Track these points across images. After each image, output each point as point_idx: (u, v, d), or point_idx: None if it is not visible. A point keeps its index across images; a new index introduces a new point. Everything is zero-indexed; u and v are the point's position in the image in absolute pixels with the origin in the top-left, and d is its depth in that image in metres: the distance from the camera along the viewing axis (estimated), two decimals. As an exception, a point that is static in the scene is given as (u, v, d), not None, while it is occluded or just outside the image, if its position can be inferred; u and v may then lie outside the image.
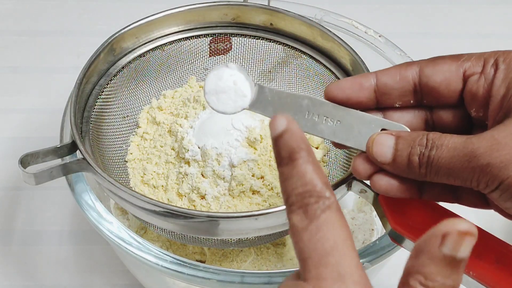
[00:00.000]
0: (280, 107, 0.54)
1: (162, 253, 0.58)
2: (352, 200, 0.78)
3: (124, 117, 0.70)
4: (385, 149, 0.49)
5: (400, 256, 0.60)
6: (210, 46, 0.73)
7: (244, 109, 0.55)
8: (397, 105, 0.52)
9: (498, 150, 0.43)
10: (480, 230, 0.50)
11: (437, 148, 0.46)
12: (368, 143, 0.50)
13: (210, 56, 0.74)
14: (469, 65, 0.48)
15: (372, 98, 0.52)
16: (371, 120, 0.52)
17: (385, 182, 0.50)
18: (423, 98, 0.51)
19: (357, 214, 0.75)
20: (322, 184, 0.39)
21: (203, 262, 0.70)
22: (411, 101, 0.51)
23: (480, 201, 0.50)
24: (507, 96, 0.46)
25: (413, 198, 0.53)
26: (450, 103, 0.50)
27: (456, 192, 0.51)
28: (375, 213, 0.73)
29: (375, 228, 0.74)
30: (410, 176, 0.48)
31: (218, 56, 0.74)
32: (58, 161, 0.59)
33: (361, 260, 0.58)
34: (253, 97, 0.55)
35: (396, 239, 0.52)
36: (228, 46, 0.73)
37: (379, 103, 0.52)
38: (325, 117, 0.53)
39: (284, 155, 0.40)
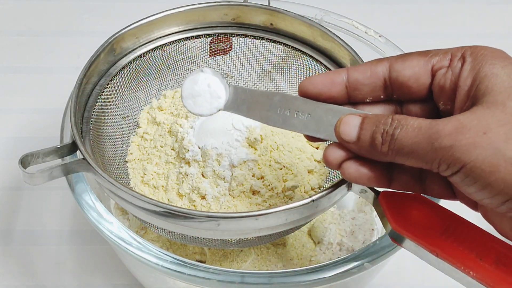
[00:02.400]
0: (253, 105, 0.56)
1: (162, 253, 0.58)
2: (352, 200, 0.78)
3: (125, 117, 0.70)
4: (351, 128, 0.50)
5: (400, 256, 0.60)
6: (210, 46, 0.73)
7: (219, 110, 0.57)
8: (368, 100, 0.53)
9: (463, 133, 0.44)
10: (480, 230, 0.50)
11: (402, 128, 0.47)
12: (336, 123, 0.51)
13: (210, 56, 0.74)
14: (437, 59, 0.50)
15: (344, 93, 0.53)
16: (340, 110, 0.53)
17: (354, 170, 0.51)
18: (393, 93, 0.52)
19: (358, 214, 0.75)
20: None
21: (203, 262, 0.71)
22: (382, 96, 0.53)
23: (447, 191, 0.51)
24: (474, 86, 0.47)
25: (414, 198, 0.53)
26: (419, 97, 0.51)
27: (423, 182, 0.52)
28: (375, 213, 0.73)
29: (376, 228, 0.74)
30: (373, 156, 0.49)
31: (218, 56, 0.74)
32: (59, 161, 0.59)
33: (361, 260, 0.58)
34: (227, 98, 0.57)
35: (396, 239, 0.52)
36: (228, 46, 0.73)
37: (351, 98, 0.53)
38: (296, 112, 0.54)
39: None
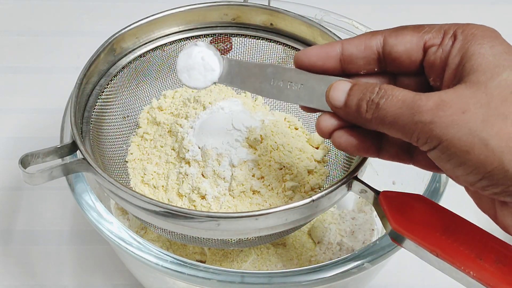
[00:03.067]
0: (247, 77, 0.57)
1: (162, 253, 0.58)
2: (352, 200, 0.78)
3: (125, 117, 0.70)
4: (339, 93, 0.51)
5: (400, 256, 0.60)
6: (210, 46, 0.73)
7: (214, 82, 0.58)
8: (362, 73, 0.54)
9: (443, 110, 0.45)
10: (480, 230, 0.50)
11: (387, 98, 0.48)
12: (327, 89, 0.52)
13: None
14: (429, 36, 0.50)
15: (338, 66, 0.54)
16: (332, 80, 0.53)
17: (344, 139, 0.52)
18: (386, 66, 0.53)
19: (358, 214, 0.75)
20: None
21: (204, 262, 0.71)
22: (375, 69, 0.53)
23: (434, 164, 0.51)
24: (461, 64, 0.47)
25: (414, 198, 0.53)
26: (411, 72, 0.52)
27: (411, 154, 0.53)
28: (375, 213, 0.73)
29: (376, 228, 0.74)
30: (358, 122, 0.50)
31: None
32: (59, 161, 0.59)
33: (361, 260, 0.58)
34: (221, 70, 0.58)
35: (397, 239, 0.52)
36: (228, 46, 0.73)
37: (345, 71, 0.54)
38: (289, 82, 0.55)
39: None
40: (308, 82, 0.54)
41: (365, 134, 0.52)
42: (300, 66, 0.55)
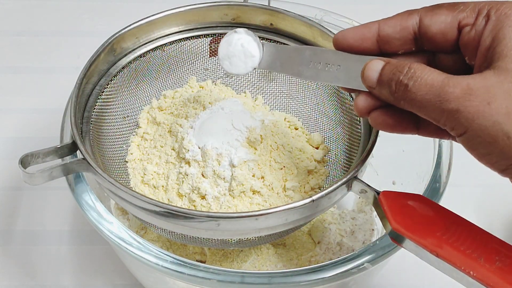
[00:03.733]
0: (286, 61, 0.59)
1: (162, 253, 0.58)
2: (352, 200, 0.78)
3: (125, 117, 0.70)
4: (373, 73, 0.51)
5: (400, 256, 0.60)
6: (211, 46, 0.73)
7: (254, 68, 0.61)
8: (400, 52, 0.54)
9: (470, 99, 0.45)
10: (480, 230, 0.50)
11: (415, 80, 0.48)
12: (362, 68, 0.52)
13: (210, 56, 0.74)
14: (463, 16, 0.50)
15: (375, 47, 0.54)
16: (368, 59, 0.53)
17: (381, 120, 0.52)
18: (423, 45, 0.53)
19: (358, 214, 0.75)
20: None
21: (203, 262, 0.71)
22: (413, 48, 0.53)
23: None
24: (492, 46, 0.47)
25: (414, 198, 0.53)
26: (448, 50, 0.52)
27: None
28: (375, 213, 0.73)
29: (376, 228, 0.74)
30: (390, 101, 0.50)
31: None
32: (59, 161, 0.59)
33: (361, 260, 0.58)
34: (261, 56, 0.60)
35: (397, 239, 0.52)
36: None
37: (382, 51, 0.54)
38: (327, 64, 0.56)
39: None
40: (345, 62, 0.55)
41: (402, 113, 0.52)
42: (338, 47, 0.55)
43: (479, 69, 0.48)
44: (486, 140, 0.45)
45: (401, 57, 0.54)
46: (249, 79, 0.75)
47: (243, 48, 0.61)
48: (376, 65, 0.51)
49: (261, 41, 0.60)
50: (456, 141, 0.51)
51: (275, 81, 0.74)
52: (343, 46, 0.55)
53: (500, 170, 0.46)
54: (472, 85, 0.45)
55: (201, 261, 0.71)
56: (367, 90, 0.53)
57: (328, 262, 0.59)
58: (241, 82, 0.75)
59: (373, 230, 0.74)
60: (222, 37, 0.71)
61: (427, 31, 0.51)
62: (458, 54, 0.52)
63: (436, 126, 0.51)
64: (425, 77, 0.47)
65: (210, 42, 0.72)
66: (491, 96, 0.45)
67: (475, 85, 0.45)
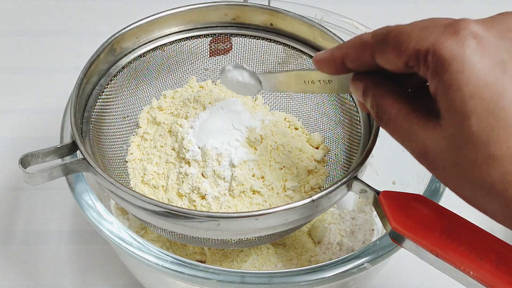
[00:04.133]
0: (284, 84, 0.62)
1: (162, 253, 0.58)
2: (352, 200, 0.78)
3: (125, 117, 0.70)
4: (358, 92, 0.52)
5: (400, 256, 0.60)
6: (210, 46, 0.73)
7: (259, 90, 0.65)
8: None
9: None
10: (480, 230, 0.50)
11: (387, 120, 0.49)
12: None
13: (210, 56, 0.74)
14: (408, 59, 0.47)
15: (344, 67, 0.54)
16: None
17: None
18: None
19: (358, 214, 0.75)
20: None
21: (203, 262, 0.71)
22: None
23: None
24: (435, 94, 0.45)
25: (414, 198, 0.53)
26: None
27: None
28: (375, 213, 0.73)
29: (376, 228, 0.74)
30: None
31: (219, 56, 0.74)
32: (59, 161, 0.59)
33: (361, 260, 0.58)
34: (261, 81, 0.63)
35: (397, 239, 0.52)
36: (228, 46, 0.73)
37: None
38: (319, 81, 0.59)
39: None
40: (333, 77, 0.57)
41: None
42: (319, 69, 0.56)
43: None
44: None
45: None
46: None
47: (240, 82, 0.64)
48: (357, 88, 0.52)
49: (253, 71, 0.64)
50: None
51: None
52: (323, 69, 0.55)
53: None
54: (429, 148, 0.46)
55: (201, 261, 0.71)
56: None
57: (328, 262, 0.59)
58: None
59: (373, 230, 0.74)
60: (222, 37, 0.71)
61: (384, 67, 0.49)
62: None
63: None
64: (392, 113, 0.48)
65: (210, 42, 0.72)
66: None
67: (430, 147, 0.45)
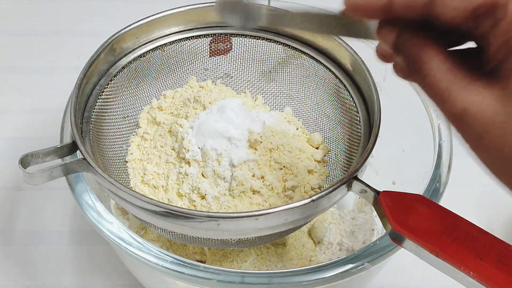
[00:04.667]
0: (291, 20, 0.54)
1: (162, 253, 0.58)
2: (352, 200, 0.78)
3: (125, 117, 0.70)
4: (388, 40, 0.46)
5: (400, 256, 0.60)
6: (210, 46, 0.73)
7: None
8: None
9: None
10: (480, 230, 0.50)
11: (426, 75, 0.44)
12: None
13: (210, 56, 0.74)
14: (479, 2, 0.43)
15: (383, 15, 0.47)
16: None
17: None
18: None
19: (358, 214, 0.75)
20: None
21: (204, 262, 0.71)
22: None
23: None
24: (501, 53, 0.42)
25: (414, 199, 0.53)
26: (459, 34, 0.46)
27: None
28: (375, 213, 0.73)
29: (376, 228, 0.74)
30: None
31: (218, 56, 0.74)
32: (59, 161, 0.59)
33: (361, 260, 0.58)
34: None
35: (397, 239, 0.52)
36: (228, 46, 0.73)
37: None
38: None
39: None
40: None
41: None
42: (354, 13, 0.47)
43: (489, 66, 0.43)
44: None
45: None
46: (249, 79, 0.75)
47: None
48: (388, 35, 0.46)
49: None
50: None
51: (275, 81, 0.74)
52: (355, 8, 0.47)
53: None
54: (470, 109, 0.42)
55: (201, 261, 0.71)
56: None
57: (328, 262, 0.59)
58: (241, 82, 0.75)
59: (373, 230, 0.74)
60: (222, 37, 0.71)
61: (438, 17, 0.43)
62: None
63: None
64: (433, 73, 0.43)
65: (210, 42, 0.72)
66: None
67: (474, 108, 0.42)
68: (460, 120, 0.42)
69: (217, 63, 0.74)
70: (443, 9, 0.43)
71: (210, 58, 0.74)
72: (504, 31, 0.41)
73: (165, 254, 0.58)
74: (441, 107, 0.43)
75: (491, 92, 0.42)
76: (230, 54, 0.73)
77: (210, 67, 0.74)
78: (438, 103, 0.44)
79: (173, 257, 0.58)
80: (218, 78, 0.75)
